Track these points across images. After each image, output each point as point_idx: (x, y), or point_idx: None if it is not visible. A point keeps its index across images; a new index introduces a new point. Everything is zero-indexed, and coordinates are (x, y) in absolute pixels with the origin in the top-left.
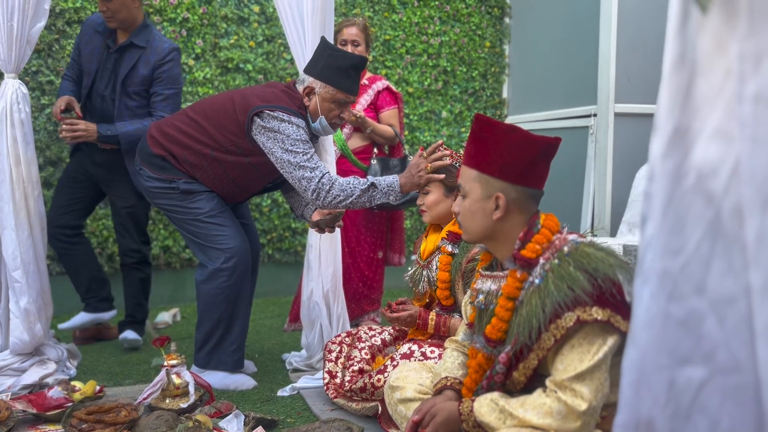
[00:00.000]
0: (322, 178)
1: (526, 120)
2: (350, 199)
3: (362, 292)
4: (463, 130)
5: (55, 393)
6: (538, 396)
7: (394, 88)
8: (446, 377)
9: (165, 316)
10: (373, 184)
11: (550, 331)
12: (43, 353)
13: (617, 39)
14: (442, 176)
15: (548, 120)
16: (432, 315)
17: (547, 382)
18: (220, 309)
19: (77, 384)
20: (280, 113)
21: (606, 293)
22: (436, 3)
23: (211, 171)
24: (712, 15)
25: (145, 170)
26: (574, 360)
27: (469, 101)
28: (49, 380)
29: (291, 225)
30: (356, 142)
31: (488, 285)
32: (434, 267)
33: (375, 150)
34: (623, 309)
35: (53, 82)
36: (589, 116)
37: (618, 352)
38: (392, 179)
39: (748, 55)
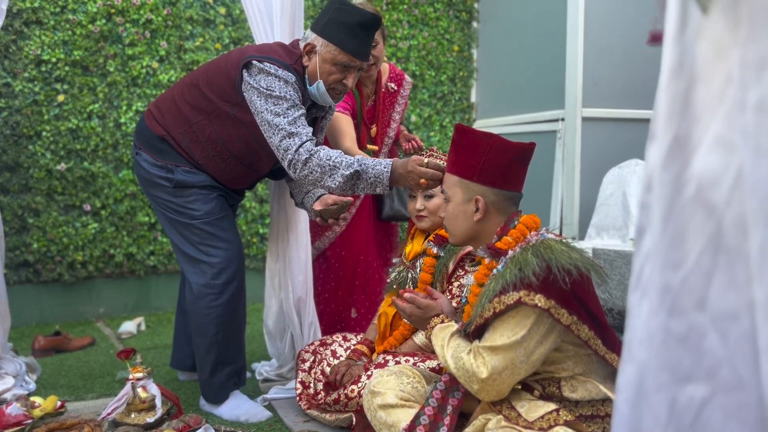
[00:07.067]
0: (301, 146)
1: (495, 124)
2: (327, 181)
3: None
4: (432, 134)
5: (14, 410)
6: (464, 349)
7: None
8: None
9: (129, 326)
10: (357, 173)
11: (493, 303)
12: (1, 367)
13: (584, 44)
14: (437, 186)
15: (516, 124)
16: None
17: (473, 344)
18: (209, 333)
19: (37, 399)
20: (269, 64)
21: (556, 283)
22: (405, 7)
23: (211, 148)
24: (712, 19)
25: (143, 153)
26: (496, 333)
27: (437, 105)
28: (7, 396)
29: (259, 231)
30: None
31: (470, 279)
32: (419, 269)
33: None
34: (574, 303)
35: (10, 84)
36: (556, 120)
37: (572, 342)
38: (382, 168)
39: (750, 61)
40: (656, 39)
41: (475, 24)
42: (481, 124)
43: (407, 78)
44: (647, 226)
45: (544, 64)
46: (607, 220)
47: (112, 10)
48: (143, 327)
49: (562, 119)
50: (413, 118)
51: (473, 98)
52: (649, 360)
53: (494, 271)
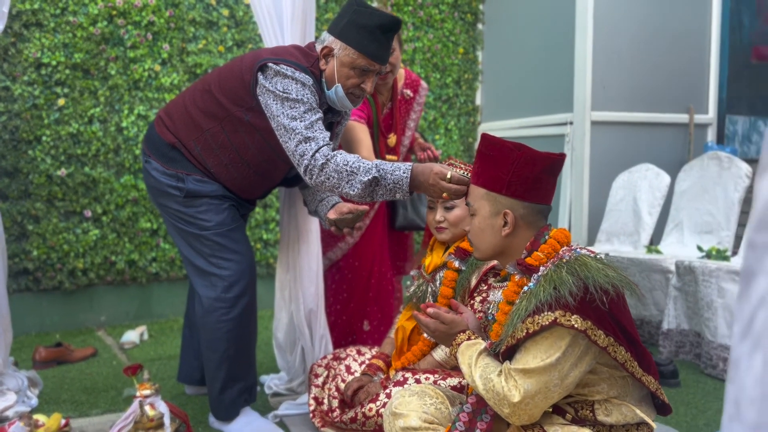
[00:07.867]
0: (317, 151)
1: (500, 127)
2: (345, 188)
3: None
4: (437, 137)
5: (17, 429)
6: (493, 369)
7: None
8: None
9: (132, 335)
10: (376, 179)
11: (526, 323)
12: (2, 383)
13: (593, 46)
14: (461, 199)
15: (523, 128)
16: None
17: (503, 365)
18: (220, 348)
19: (40, 418)
20: (285, 66)
21: (592, 303)
22: (410, 9)
23: (224, 156)
24: None
25: (153, 162)
26: (529, 355)
27: (442, 108)
28: (10, 413)
29: (263, 236)
30: None
31: (498, 295)
32: (439, 282)
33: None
34: (610, 324)
35: (9, 88)
36: (565, 124)
37: (608, 364)
38: (401, 174)
39: None
40: (763, 57)
41: (480, 26)
42: (486, 127)
43: (423, 84)
44: (759, 269)
45: (551, 67)
46: (617, 226)
47: (114, 12)
48: (146, 336)
49: (571, 123)
50: None
51: (478, 101)
52: (765, 423)
53: (525, 288)
